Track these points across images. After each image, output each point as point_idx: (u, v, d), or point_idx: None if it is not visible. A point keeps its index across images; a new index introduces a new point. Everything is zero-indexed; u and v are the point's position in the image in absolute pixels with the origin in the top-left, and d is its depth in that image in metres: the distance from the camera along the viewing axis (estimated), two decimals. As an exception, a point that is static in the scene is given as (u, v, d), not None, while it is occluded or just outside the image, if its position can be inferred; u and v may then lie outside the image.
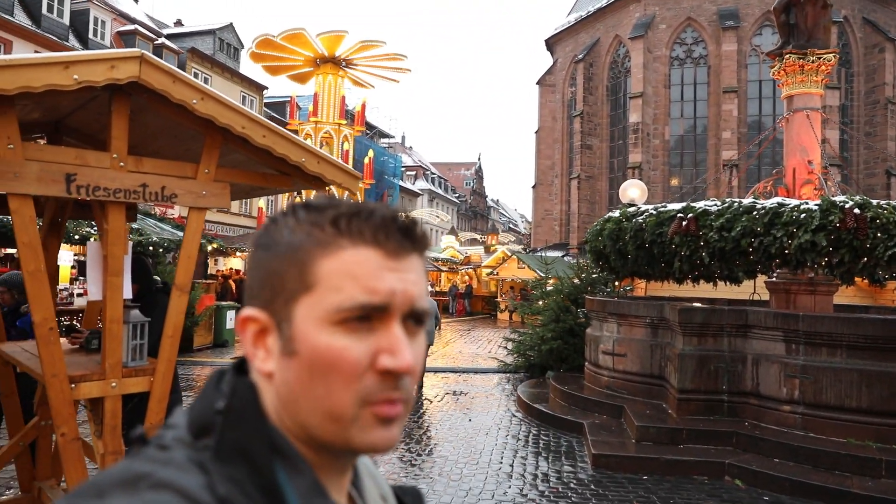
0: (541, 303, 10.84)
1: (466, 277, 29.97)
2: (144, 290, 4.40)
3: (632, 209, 7.83)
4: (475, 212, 74.43)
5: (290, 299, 0.60)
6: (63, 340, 4.45)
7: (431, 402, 9.15)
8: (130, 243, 3.72)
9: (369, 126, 51.23)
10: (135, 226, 11.78)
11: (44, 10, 24.03)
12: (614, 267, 8.11)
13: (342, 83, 24.06)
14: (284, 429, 0.61)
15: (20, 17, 23.31)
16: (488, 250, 31.23)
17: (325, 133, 23.72)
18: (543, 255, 17.43)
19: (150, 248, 11.32)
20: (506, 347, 11.60)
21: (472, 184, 75.43)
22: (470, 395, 9.73)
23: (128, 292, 3.63)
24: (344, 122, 23.87)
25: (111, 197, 3.31)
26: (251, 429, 0.58)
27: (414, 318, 0.63)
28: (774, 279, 8.23)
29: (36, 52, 23.40)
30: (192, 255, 3.60)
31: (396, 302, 0.60)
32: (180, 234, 14.81)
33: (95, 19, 26.20)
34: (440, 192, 64.42)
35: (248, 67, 26.92)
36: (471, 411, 8.50)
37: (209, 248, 15.69)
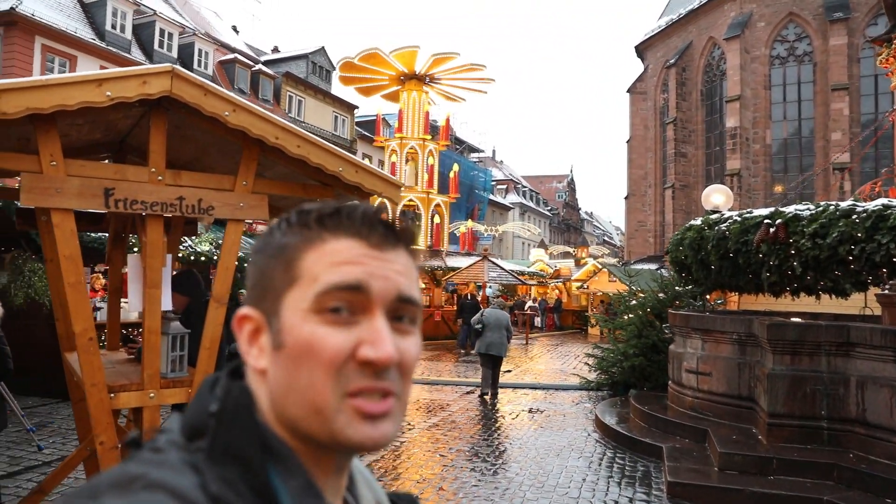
0: (625, 317, 10.31)
1: (556, 291, 29.34)
2: (195, 302, 4.48)
3: (714, 216, 7.27)
4: (568, 224, 73.15)
5: (278, 295, 0.62)
6: (122, 351, 4.62)
7: (505, 419, 8.88)
8: (169, 256, 3.79)
9: (458, 141, 51.72)
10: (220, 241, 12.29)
11: (155, 45, 25.98)
12: (697, 279, 7.55)
13: (426, 99, 24.34)
14: (278, 429, 0.61)
15: (136, 54, 25.32)
16: (578, 263, 30.46)
17: (411, 149, 24.05)
18: (629, 267, 16.72)
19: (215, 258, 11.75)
20: (588, 364, 11.12)
21: (564, 196, 74.25)
22: (547, 413, 9.36)
23: (167, 304, 3.69)
24: (428, 137, 24.12)
25: (148, 210, 3.37)
26: (244, 430, 0.58)
27: (403, 315, 0.63)
28: (887, 291, 7.37)
29: (147, 83, 25.35)
30: (229, 266, 3.61)
31: (376, 286, 0.61)
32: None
33: (200, 51, 28.02)
34: (531, 205, 63.83)
35: (340, 88, 27.88)
36: (544, 430, 8.15)
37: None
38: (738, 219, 6.88)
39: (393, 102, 25.88)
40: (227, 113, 3.31)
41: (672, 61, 32.73)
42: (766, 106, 29.04)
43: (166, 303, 3.64)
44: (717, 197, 8.15)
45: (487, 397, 10.26)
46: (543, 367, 14.94)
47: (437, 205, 23.94)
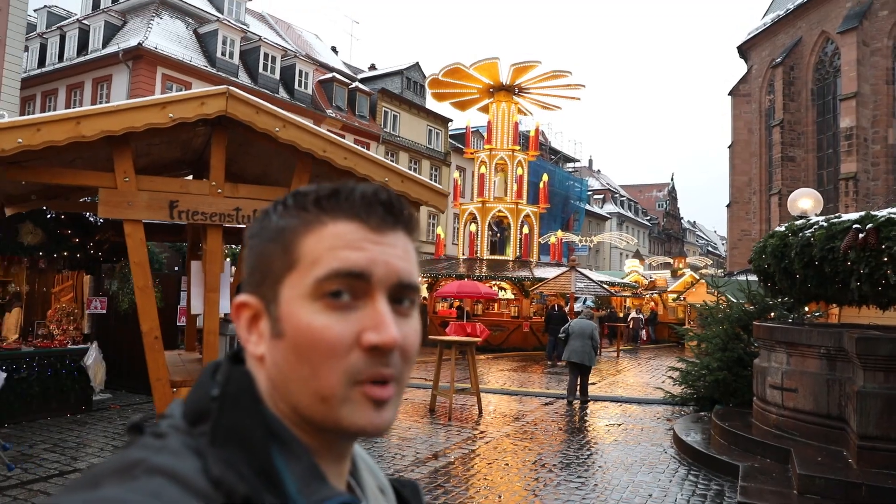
0: (709, 329, 9.83)
1: (652, 303, 28.33)
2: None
3: (799, 222, 6.84)
4: (668, 235, 70.40)
5: (277, 281, 0.61)
6: (196, 351, 5.02)
7: (580, 431, 8.73)
8: (227, 261, 4.10)
9: (553, 151, 51.23)
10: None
11: (260, 69, 27.65)
12: (780, 288, 7.12)
13: (514, 109, 24.36)
14: (280, 413, 0.61)
15: (242, 77, 27.07)
16: (675, 274, 29.27)
17: (500, 160, 24.13)
18: (717, 278, 15.89)
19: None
20: (672, 378, 10.70)
21: (664, 205, 71.57)
22: (624, 426, 9.10)
23: (225, 307, 3.99)
24: (517, 147, 24.11)
25: (208, 220, 3.67)
26: (246, 414, 0.58)
27: (403, 298, 0.62)
28: None
29: (253, 104, 27.04)
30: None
31: (378, 273, 0.60)
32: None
33: (300, 72, 29.52)
34: (630, 215, 62.05)
35: (435, 101, 28.52)
36: (618, 444, 7.94)
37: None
38: (825, 224, 6.44)
39: (486, 115, 26.14)
40: (277, 129, 3.57)
41: (779, 60, 30.87)
42: (888, 103, 26.72)
43: (225, 305, 3.96)
44: (804, 202, 7.63)
45: (576, 404, 10.70)
46: (631, 381, 14.50)
47: (527, 215, 23.84)
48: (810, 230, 6.52)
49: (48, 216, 7.95)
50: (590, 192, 55.42)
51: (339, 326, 0.58)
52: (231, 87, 3.52)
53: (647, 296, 27.79)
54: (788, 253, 6.70)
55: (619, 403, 11.15)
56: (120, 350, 9.20)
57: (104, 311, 8.73)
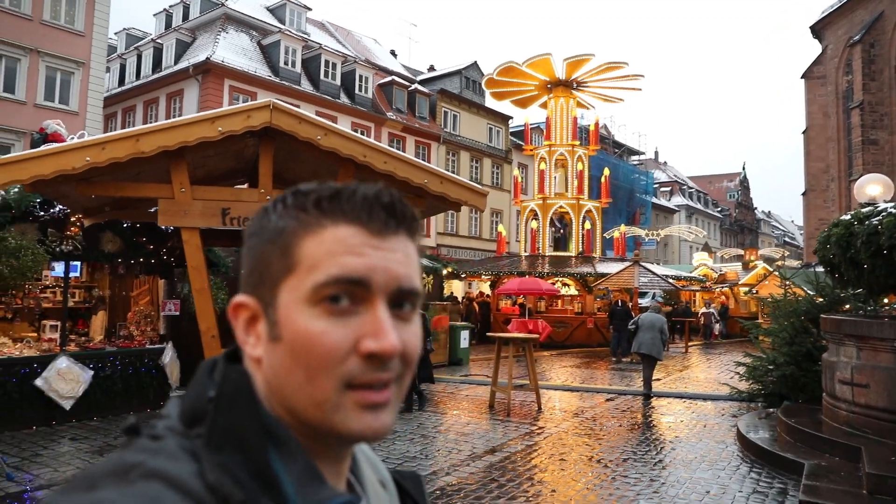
0: (775, 323, 9.48)
1: (723, 297, 27.39)
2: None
3: (866, 209, 6.52)
4: (741, 226, 67.70)
5: (275, 283, 0.60)
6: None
7: (640, 427, 8.61)
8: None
9: (617, 144, 50.22)
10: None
11: (321, 76, 28.40)
12: (847, 279, 6.81)
13: (573, 104, 24.07)
14: (277, 415, 0.60)
15: (305, 85, 27.89)
16: (747, 267, 28.15)
17: (560, 155, 23.91)
18: (784, 269, 15.23)
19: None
20: (738, 373, 10.37)
21: (736, 196, 68.86)
22: (686, 422, 8.91)
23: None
24: (577, 142, 23.81)
25: (258, 226, 3.89)
26: (243, 415, 0.58)
27: (403, 302, 0.61)
28: None
29: (316, 112, 27.80)
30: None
31: (378, 279, 0.59)
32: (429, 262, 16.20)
33: (360, 76, 30.12)
34: (699, 206, 60.08)
35: (495, 101, 28.51)
36: (679, 440, 7.80)
37: (444, 271, 16.82)
38: (894, 211, 6.12)
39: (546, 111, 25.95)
40: (319, 137, 3.75)
41: (857, 38, 29.20)
42: (979, 78, 24.87)
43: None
44: (872, 188, 7.23)
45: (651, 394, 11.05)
46: (699, 376, 14.12)
47: (589, 210, 23.53)
48: (878, 218, 6.23)
49: (124, 225, 8.51)
50: (656, 185, 53.98)
51: (338, 332, 0.58)
52: (274, 100, 3.73)
53: (717, 290, 26.88)
54: (854, 242, 6.41)
55: (683, 399, 10.90)
56: (192, 349, 9.74)
57: (177, 313, 9.26)
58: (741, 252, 39.75)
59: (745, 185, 70.36)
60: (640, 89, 24.77)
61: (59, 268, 8.99)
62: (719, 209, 65.31)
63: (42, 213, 7.57)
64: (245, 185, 5.37)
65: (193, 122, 3.54)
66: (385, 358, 0.58)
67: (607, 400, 10.77)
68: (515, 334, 12.39)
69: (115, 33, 32.12)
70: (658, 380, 13.38)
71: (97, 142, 3.36)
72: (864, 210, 6.60)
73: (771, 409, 8.99)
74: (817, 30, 33.29)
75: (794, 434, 7.10)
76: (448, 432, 8.05)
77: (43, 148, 3.44)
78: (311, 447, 0.61)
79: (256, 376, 0.62)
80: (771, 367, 9.03)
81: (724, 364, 16.63)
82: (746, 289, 24.77)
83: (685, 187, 59.97)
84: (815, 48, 34.11)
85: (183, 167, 3.65)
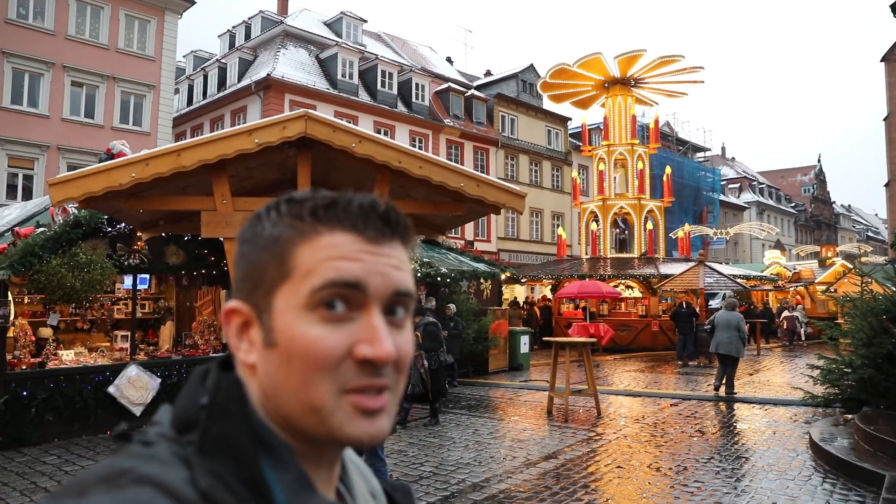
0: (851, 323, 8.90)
1: (798, 297, 26.09)
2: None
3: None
4: (818, 221, 64.41)
5: (270, 290, 0.60)
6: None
7: (704, 433, 8.26)
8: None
9: (680, 142, 48.77)
10: (425, 259, 13.29)
11: (378, 86, 28.85)
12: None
13: (631, 102, 23.54)
14: (271, 421, 0.61)
15: (362, 96, 28.39)
16: (823, 264, 26.70)
17: (619, 155, 23.41)
18: (862, 265, 14.31)
19: (438, 278, 12.62)
20: (812, 376, 9.80)
21: (812, 190, 65.61)
22: (754, 428, 8.50)
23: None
24: (636, 141, 23.25)
25: (297, 234, 3.95)
26: (235, 423, 0.58)
27: (396, 307, 0.62)
28: None
29: (374, 122, 28.26)
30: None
31: (373, 283, 0.60)
32: (477, 265, 16.16)
33: (417, 85, 30.42)
34: (771, 202, 57.56)
35: (553, 103, 28.18)
36: (745, 447, 7.44)
37: (502, 276, 16.70)
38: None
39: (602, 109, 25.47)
40: (353, 145, 3.78)
41: (940, 17, 27.34)
42: None
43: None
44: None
45: (720, 391, 11.03)
46: (770, 380, 13.45)
47: (651, 210, 22.90)
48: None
49: (186, 238, 8.85)
50: (724, 182, 52.10)
51: (333, 338, 0.58)
52: (309, 111, 3.78)
53: (791, 289, 25.60)
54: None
55: (752, 405, 10.40)
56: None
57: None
58: (817, 249, 37.80)
59: (820, 178, 66.94)
60: (702, 82, 23.94)
61: (128, 280, 9.45)
62: (793, 205, 62.35)
63: (110, 229, 7.97)
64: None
65: (231, 135, 3.63)
66: (379, 364, 0.59)
67: (671, 405, 10.41)
68: (573, 338, 12.17)
69: (184, 56, 33.67)
70: (738, 380, 12.85)
71: (142, 158, 3.50)
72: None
73: (849, 416, 8.46)
74: (896, 10, 31.35)
75: (874, 442, 6.65)
76: (503, 439, 7.96)
77: (93, 166, 3.62)
78: (303, 452, 0.61)
79: (250, 383, 0.62)
80: (848, 370, 8.50)
81: (799, 367, 15.80)
82: (823, 287, 23.47)
83: (755, 183, 57.59)
84: None
85: (224, 179, 3.75)
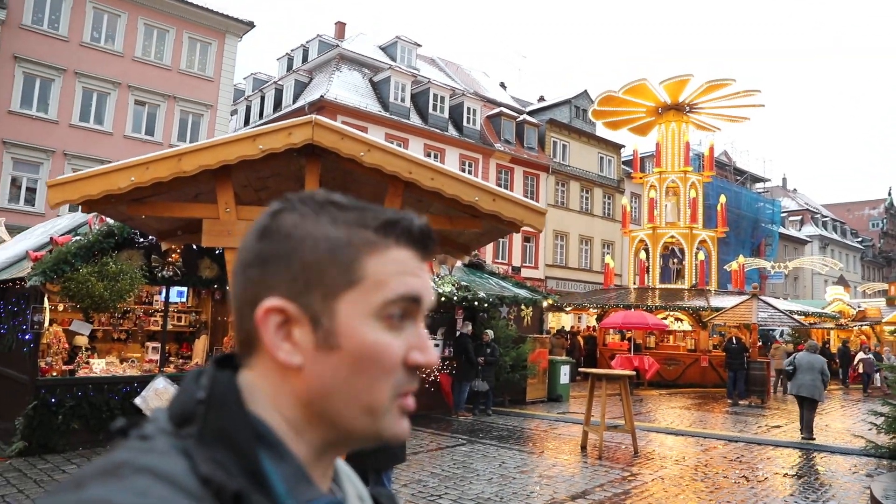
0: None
1: (863, 336, 24.57)
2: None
3: None
4: (888, 258, 61.14)
5: (332, 294, 0.61)
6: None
7: (750, 480, 7.63)
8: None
9: (738, 171, 47.30)
10: (464, 282, 13.02)
11: (430, 109, 29.01)
12: None
13: (685, 129, 22.89)
14: (281, 418, 0.61)
15: (414, 119, 28.59)
16: (893, 303, 25.10)
17: (672, 182, 22.74)
18: None
19: (475, 302, 12.32)
20: (875, 423, 9.01)
21: (881, 224, 62.46)
22: (808, 478, 7.82)
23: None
24: (690, 168, 22.55)
25: (300, 246, 3.78)
26: (233, 416, 0.59)
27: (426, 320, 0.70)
28: None
29: (424, 145, 28.39)
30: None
31: (426, 298, 0.66)
32: (519, 291, 15.79)
33: (469, 108, 30.46)
34: (834, 236, 55.02)
35: (608, 129, 27.73)
36: (794, 499, 6.80)
37: (544, 303, 16.27)
38: None
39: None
40: (362, 153, 3.59)
41: None
42: None
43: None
44: None
45: (802, 437, 10.63)
46: (829, 425, 12.55)
47: (703, 240, 22.06)
48: None
49: (217, 251, 8.86)
50: (784, 214, 50.17)
51: (398, 343, 0.62)
52: (317, 117, 3.62)
53: (855, 328, 24.12)
54: None
55: (807, 451, 9.64)
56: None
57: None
58: (885, 287, 35.74)
59: (891, 211, 63.64)
60: (761, 105, 23.01)
61: (172, 293, 9.53)
62: (860, 240, 59.39)
63: (143, 240, 8.04)
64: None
65: (234, 140, 3.50)
66: (423, 370, 0.65)
67: (716, 447, 9.74)
68: (610, 371, 11.65)
69: (244, 78, 34.77)
70: (779, 426, 12.04)
71: (141, 162, 3.40)
72: None
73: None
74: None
75: (941, 501, 5.96)
76: (531, 474, 7.55)
77: (93, 169, 3.54)
78: (304, 451, 0.62)
79: (272, 382, 0.62)
80: (914, 418, 7.76)
81: (863, 413, 14.73)
82: (892, 328, 22.01)
83: (818, 216, 55.20)
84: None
85: (228, 187, 3.62)
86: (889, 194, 63.75)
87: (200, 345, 10.61)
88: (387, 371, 0.61)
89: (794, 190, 60.61)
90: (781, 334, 27.94)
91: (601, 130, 33.81)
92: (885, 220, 62.58)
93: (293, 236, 0.62)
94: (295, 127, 3.60)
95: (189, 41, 23.39)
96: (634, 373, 12.99)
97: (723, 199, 23.20)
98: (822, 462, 8.93)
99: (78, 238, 7.51)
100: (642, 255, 22.35)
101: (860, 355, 20.07)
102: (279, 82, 30.20)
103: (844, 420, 13.53)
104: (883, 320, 23.21)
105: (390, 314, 0.62)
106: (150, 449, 0.54)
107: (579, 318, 30.59)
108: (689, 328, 20.35)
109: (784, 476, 7.96)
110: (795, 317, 17.33)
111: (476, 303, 12.36)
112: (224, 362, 0.65)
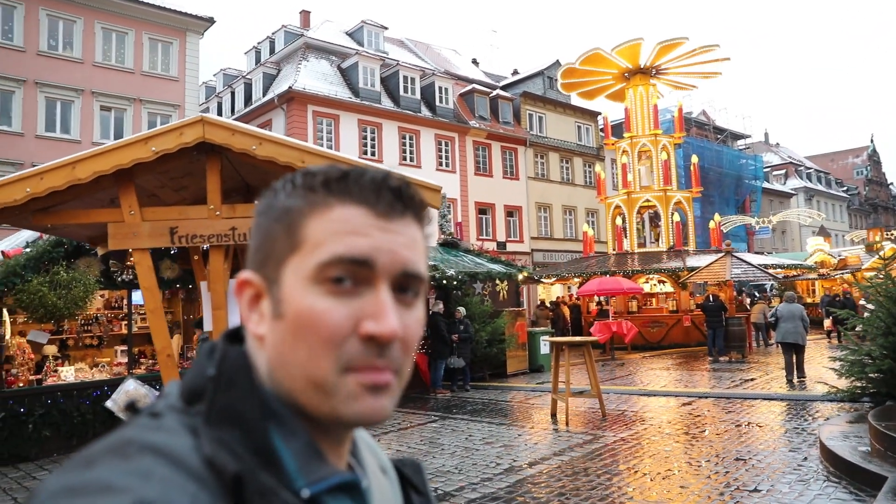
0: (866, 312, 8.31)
1: (844, 285, 24.81)
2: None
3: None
4: (874, 205, 61.45)
5: (280, 262, 0.60)
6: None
7: (706, 432, 7.82)
8: (231, 280, 4.25)
9: (718, 130, 47.27)
10: (435, 262, 13.11)
11: (401, 92, 28.85)
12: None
13: (654, 92, 22.87)
14: (280, 394, 0.60)
15: (385, 102, 28.44)
16: (871, 249, 25.30)
17: (643, 147, 22.76)
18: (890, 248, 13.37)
19: (444, 280, 12.42)
20: (834, 369, 9.19)
21: (865, 172, 62.68)
22: (767, 427, 8.01)
23: (234, 321, 4.14)
24: (659, 131, 22.57)
25: (206, 242, 3.85)
26: (242, 392, 0.58)
27: (407, 287, 0.61)
28: None
29: (398, 128, 28.27)
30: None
31: (382, 261, 0.59)
32: (493, 266, 15.90)
33: (440, 88, 30.30)
34: (819, 187, 55.24)
35: (573, 95, 27.61)
36: (747, 449, 6.98)
37: (519, 276, 16.39)
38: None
39: (620, 102, 24.84)
40: (254, 147, 3.65)
41: None
42: None
43: (234, 321, 4.13)
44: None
45: (795, 381, 11.47)
46: (808, 374, 12.74)
47: (678, 202, 22.17)
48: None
49: (172, 252, 8.92)
50: (768, 169, 50.37)
51: (339, 312, 0.57)
52: (206, 115, 3.67)
53: (837, 277, 24.35)
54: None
55: (770, 401, 9.85)
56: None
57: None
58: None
59: (874, 158, 63.85)
60: (727, 59, 22.93)
61: (136, 296, 9.59)
62: (845, 189, 59.67)
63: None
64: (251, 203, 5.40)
65: (126, 144, 3.55)
66: (384, 342, 0.58)
67: (683, 405, 9.94)
68: (571, 338, 11.85)
69: (214, 74, 34.46)
70: (752, 380, 12.26)
71: (36, 172, 3.45)
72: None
73: (865, 412, 7.88)
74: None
75: (884, 441, 6.14)
76: (495, 444, 7.71)
77: (-11, 183, 3.60)
78: (311, 427, 0.60)
79: (259, 355, 0.61)
80: (868, 361, 7.93)
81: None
82: (872, 274, 22.21)
83: (802, 168, 55.37)
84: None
85: (131, 190, 3.68)
86: (871, 141, 63.92)
87: (174, 344, 10.70)
88: (324, 340, 0.57)
89: (777, 144, 60.68)
90: (770, 289, 28.17)
91: (577, 100, 33.72)
92: (868, 168, 62.81)
93: (261, 212, 0.63)
94: (186, 126, 3.65)
95: (150, 42, 23.17)
96: (597, 338, 13.17)
97: (695, 159, 23.28)
98: (784, 410, 9.12)
99: (27, 250, 7.55)
100: (619, 220, 22.45)
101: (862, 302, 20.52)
102: (248, 76, 29.95)
103: (816, 370, 13.76)
104: (863, 267, 23.42)
105: (332, 278, 0.57)
106: (159, 427, 0.54)
107: (569, 288, 30.81)
108: (671, 290, 20.54)
109: (743, 428, 8.14)
110: (770, 271, 17.50)
111: (445, 281, 12.46)
112: (234, 336, 0.64)
